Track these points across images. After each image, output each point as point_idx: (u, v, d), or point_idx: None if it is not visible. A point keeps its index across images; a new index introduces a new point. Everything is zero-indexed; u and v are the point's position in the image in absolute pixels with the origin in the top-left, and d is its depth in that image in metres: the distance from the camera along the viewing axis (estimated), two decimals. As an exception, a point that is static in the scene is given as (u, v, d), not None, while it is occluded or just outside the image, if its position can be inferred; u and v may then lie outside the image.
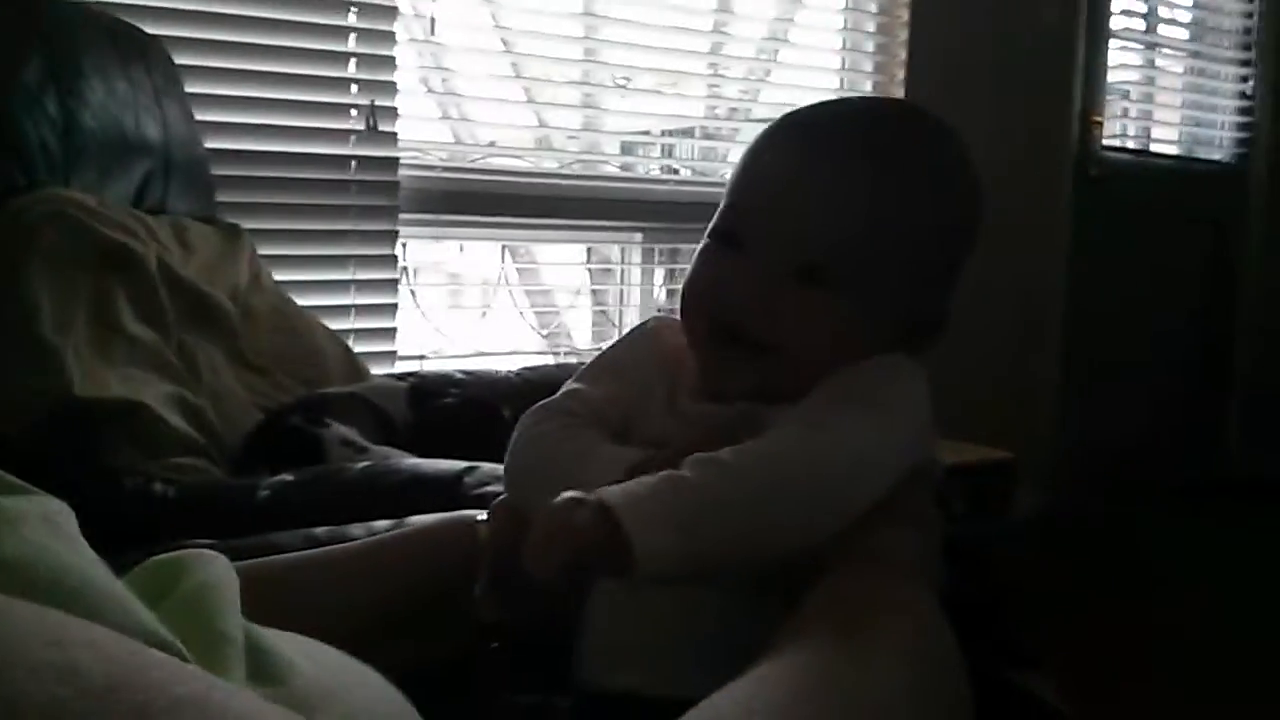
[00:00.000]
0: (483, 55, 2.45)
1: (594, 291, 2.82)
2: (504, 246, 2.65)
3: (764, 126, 0.74)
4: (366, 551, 0.73)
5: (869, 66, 2.93)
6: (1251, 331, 3.96)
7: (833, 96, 2.87)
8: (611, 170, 2.65)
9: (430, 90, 2.33)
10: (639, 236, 2.63)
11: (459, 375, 1.93)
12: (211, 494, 1.15)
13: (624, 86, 2.64)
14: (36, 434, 1.17)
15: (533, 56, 2.50)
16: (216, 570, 0.46)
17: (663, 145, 2.75)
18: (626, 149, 2.71)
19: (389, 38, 2.13)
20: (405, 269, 2.27)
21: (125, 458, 1.19)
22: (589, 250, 2.83)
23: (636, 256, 2.68)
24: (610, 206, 2.55)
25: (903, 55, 2.90)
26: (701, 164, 2.75)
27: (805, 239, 0.67)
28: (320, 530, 0.90)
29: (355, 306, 2.15)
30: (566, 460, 0.68)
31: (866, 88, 2.92)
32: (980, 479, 2.58)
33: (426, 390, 1.65)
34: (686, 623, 0.66)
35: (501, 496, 0.74)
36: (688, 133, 2.76)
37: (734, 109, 2.83)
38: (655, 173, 2.71)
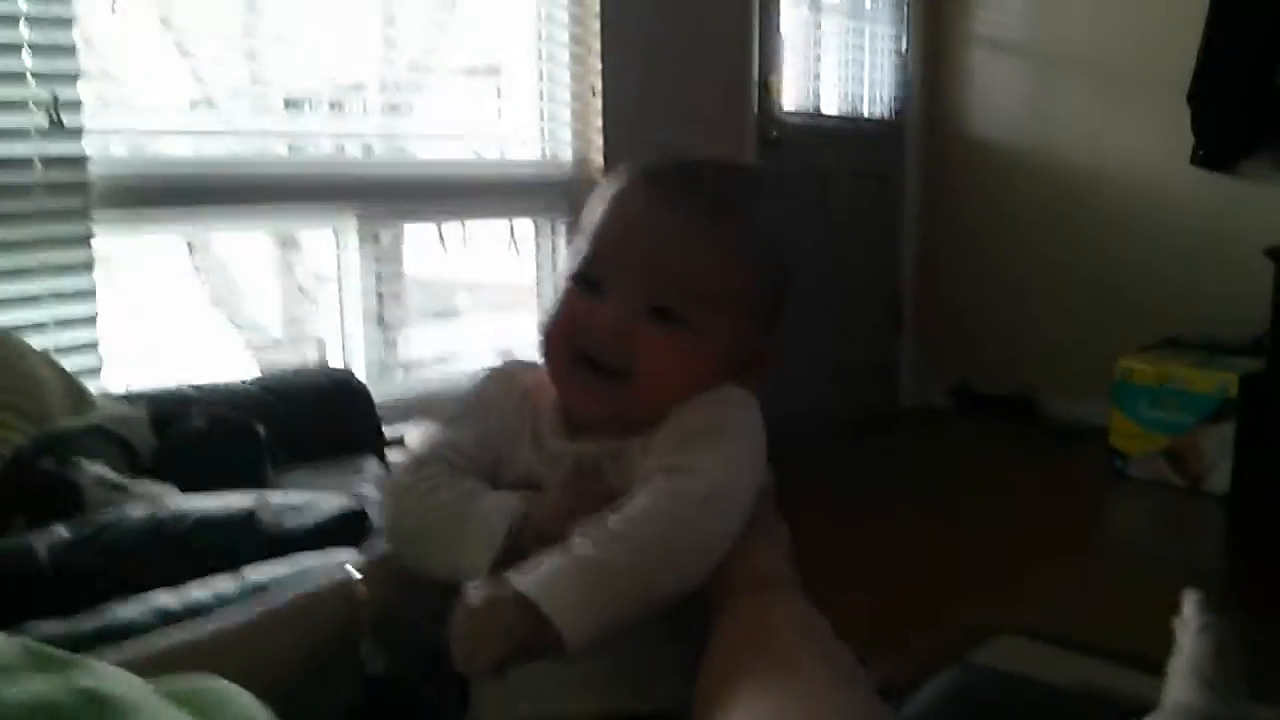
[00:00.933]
0: (140, 31, 2.25)
1: (300, 281, 2.70)
2: (189, 242, 2.49)
3: (621, 171, 0.81)
4: (262, 624, 0.71)
5: (564, 38, 2.95)
6: (912, 274, 4.38)
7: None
8: (320, 148, 2.53)
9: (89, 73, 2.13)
10: (354, 222, 2.55)
11: (189, 391, 1.82)
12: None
13: (290, 44, 2.47)
14: None
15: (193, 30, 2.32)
16: (250, 704, 0.46)
17: (333, 105, 2.62)
18: (294, 107, 2.56)
19: (67, 24, 1.93)
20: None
21: None
22: (290, 238, 2.71)
23: (348, 240, 2.59)
24: (316, 189, 2.45)
25: (597, 9, 2.93)
26: (397, 122, 2.65)
27: (659, 284, 0.74)
28: (167, 599, 0.84)
29: (52, 322, 1.96)
30: (452, 517, 0.72)
31: (564, 57, 2.94)
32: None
33: (167, 413, 1.55)
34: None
35: (380, 553, 0.74)
36: (359, 87, 2.62)
37: (415, 65, 2.74)
38: (355, 149, 2.60)
